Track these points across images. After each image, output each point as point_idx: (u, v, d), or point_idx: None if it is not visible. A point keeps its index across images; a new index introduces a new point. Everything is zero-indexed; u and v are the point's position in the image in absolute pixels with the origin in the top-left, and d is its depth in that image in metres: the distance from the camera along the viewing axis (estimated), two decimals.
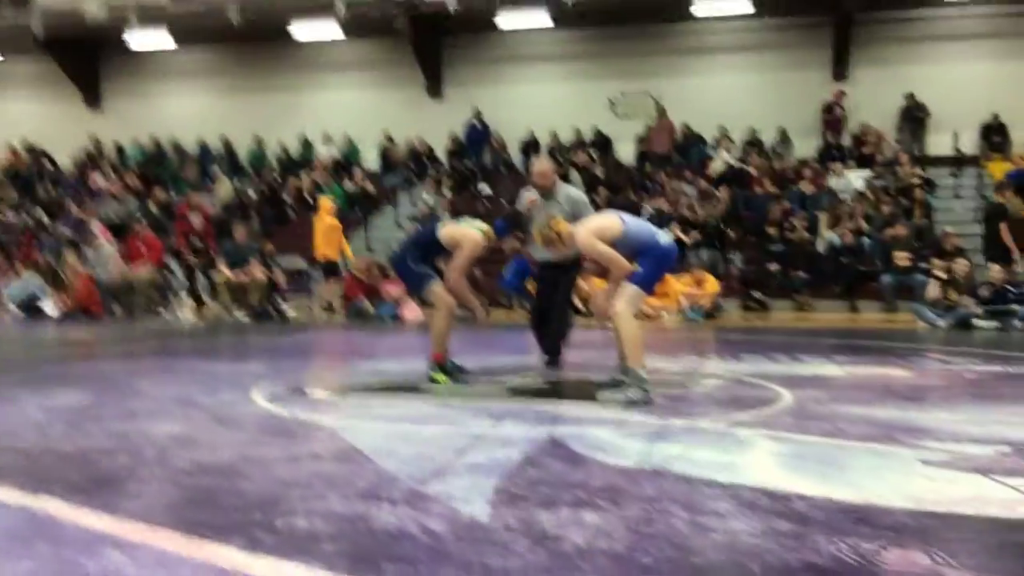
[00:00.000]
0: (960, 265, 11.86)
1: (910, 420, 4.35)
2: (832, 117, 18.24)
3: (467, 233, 5.65)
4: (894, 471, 3.27)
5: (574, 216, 5.95)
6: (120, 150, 21.97)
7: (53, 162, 21.83)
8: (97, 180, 20.22)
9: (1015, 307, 11.11)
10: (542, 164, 6.56)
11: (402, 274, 6.03)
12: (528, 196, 6.46)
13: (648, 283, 5.21)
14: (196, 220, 14.92)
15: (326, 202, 14.77)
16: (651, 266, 5.16)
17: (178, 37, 20.33)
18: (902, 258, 13.26)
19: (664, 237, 5.26)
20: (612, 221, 5.21)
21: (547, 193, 6.44)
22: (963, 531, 2.55)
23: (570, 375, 6.23)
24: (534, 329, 6.78)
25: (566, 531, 2.50)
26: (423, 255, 5.76)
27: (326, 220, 14.12)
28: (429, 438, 3.87)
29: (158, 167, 21.14)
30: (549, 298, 6.63)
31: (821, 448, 3.68)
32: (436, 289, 5.68)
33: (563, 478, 3.14)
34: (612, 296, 5.26)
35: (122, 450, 3.63)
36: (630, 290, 5.07)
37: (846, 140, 18.19)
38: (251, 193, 18.65)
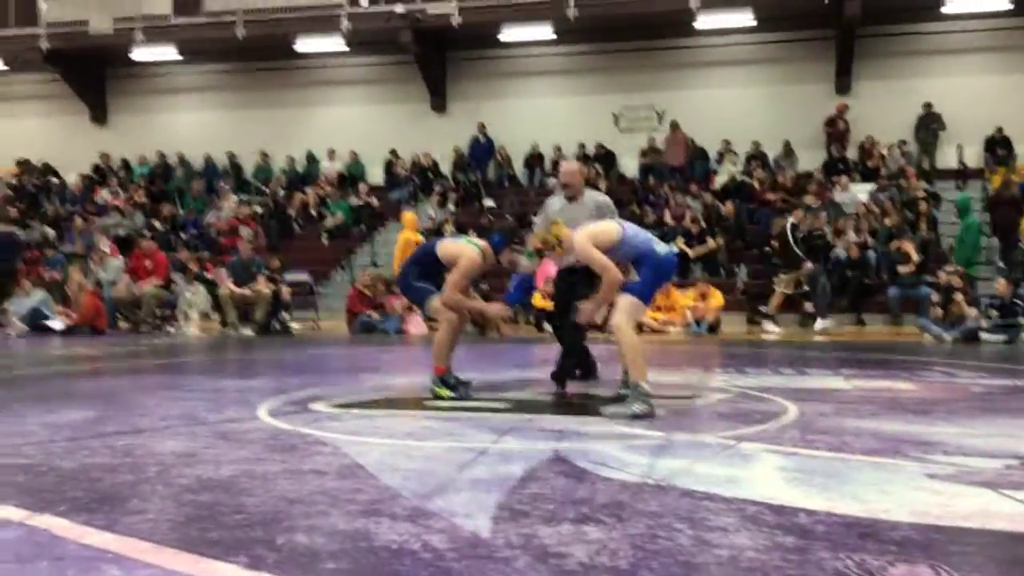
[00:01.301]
0: (957, 278, 11.85)
1: (916, 434, 4.33)
2: (835, 130, 18.24)
3: (463, 249, 5.66)
4: (900, 485, 3.25)
5: (598, 220, 5.78)
6: (126, 165, 22.06)
7: (59, 177, 21.93)
8: (103, 195, 20.29)
9: (1022, 320, 11.07)
10: (571, 164, 6.69)
11: (405, 290, 6.11)
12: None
13: (645, 293, 5.12)
14: (248, 235, 14.94)
15: (410, 217, 14.56)
16: (648, 275, 5.08)
17: (184, 53, 20.45)
18: (907, 269, 13.24)
19: (662, 246, 5.19)
20: (610, 227, 5.17)
21: (573, 195, 6.39)
22: (970, 545, 2.53)
23: (574, 390, 6.20)
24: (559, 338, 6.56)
25: (569, 547, 2.49)
26: (425, 272, 5.77)
27: (411, 236, 13.86)
28: (432, 453, 3.86)
29: (165, 182, 21.23)
30: (566, 305, 6.25)
31: (826, 462, 3.66)
32: (436, 304, 5.69)
33: (566, 494, 3.12)
34: (600, 303, 5.18)
35: (125, 467, 3.62)
36: (627, 301, 5.00)
37: (852, 153, 18.19)
38: (257, 208, 18.70)
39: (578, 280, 6.17)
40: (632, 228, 5.23)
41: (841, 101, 18.40)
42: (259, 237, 14.88)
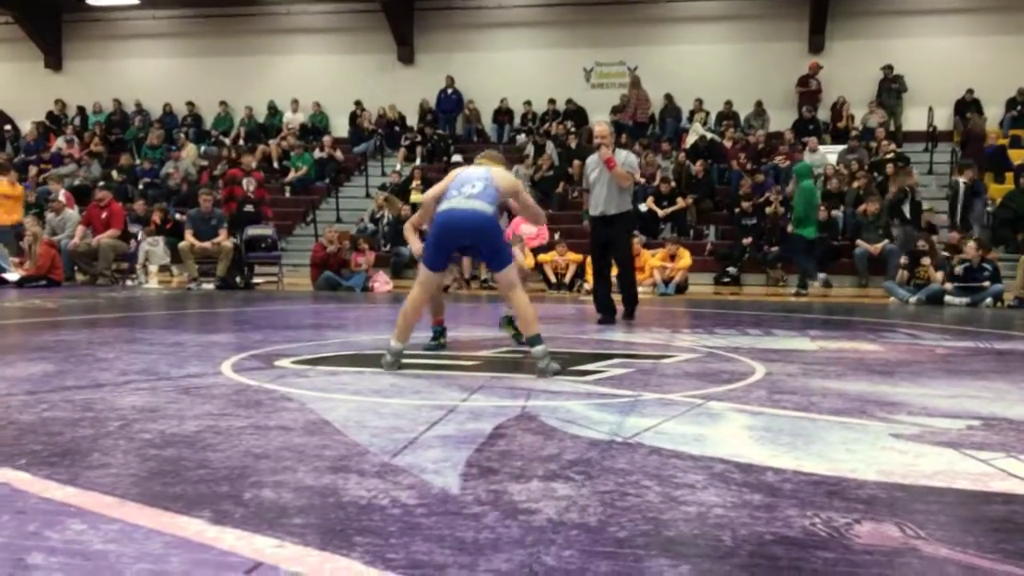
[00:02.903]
0: (924, 242, 11.95)
1: (882, 394, 4.38)
2: (807, 90, 18.24)
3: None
4: (866, 445, 3.28)
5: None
6: (82, 113, 21.51)
7: (13, 124, 21.35)
8: (59, 144, 19.80)
9: (986, 283, 11.20)
10: (603, 126, 7.59)
11: None
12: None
13: (427, 259, 4.98)
14: (250, 185, 14.40)
15: None
16: (429, 239, 4.99)
17: None
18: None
19: (454, 202, 4.85)
20: (448, 178, 5.14)
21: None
22: (934, 504, 2.56)
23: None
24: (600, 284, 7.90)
25: (538, 504, 2.48)
26: None
27: None
28: (400, 411, 3.83)
29: (122, 131, 20.74)
30: (606, 255, 7.73)
31: (793, 422, 3.69)
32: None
33: (535, 451, 3.12)
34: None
35: (86, 421, 3.55)
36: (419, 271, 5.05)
37: (823, 114, 18.21)
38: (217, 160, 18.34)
39: (614, 225, 7.60)
40: (462, 177, 4.99)
41: (814, 60, 18.37)
42: (260, 189, 14.26)
